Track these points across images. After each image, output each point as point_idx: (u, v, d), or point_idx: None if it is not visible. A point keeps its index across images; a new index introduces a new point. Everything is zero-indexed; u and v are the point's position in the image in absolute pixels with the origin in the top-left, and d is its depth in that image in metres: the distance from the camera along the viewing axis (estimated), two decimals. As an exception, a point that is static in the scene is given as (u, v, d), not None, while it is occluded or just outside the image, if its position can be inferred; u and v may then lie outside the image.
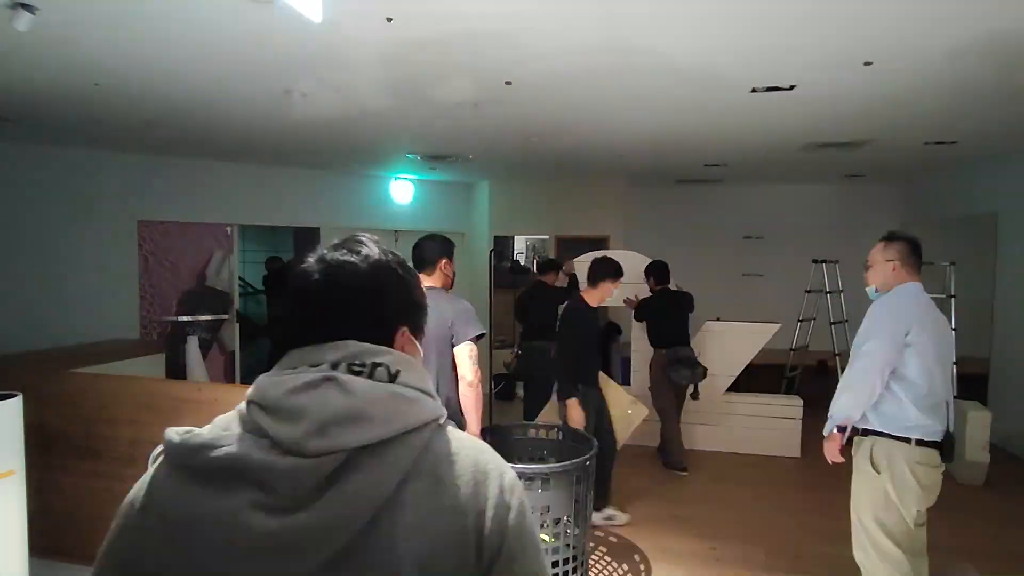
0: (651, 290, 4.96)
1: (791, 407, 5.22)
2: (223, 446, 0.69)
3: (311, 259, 0.81)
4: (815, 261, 6.19)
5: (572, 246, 6.89)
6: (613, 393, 3.94)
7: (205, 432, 0.73)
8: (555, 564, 2.56)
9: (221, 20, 2.51)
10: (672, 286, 4.98)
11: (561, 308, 3.81)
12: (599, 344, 4.15)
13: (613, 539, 3.62)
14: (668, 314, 4.84)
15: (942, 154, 5.41)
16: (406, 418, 0.72)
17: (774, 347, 5.39)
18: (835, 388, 2.45)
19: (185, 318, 6.02)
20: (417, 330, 0.88)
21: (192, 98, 3.69)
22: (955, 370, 5.12)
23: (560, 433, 3.15)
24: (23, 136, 4.78)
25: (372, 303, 0.80)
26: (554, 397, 3.65)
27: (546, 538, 2.58)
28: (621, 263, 5.37)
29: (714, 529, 3.72)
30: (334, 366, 0.74)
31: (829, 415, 2.44)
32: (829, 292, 6.06)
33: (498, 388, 6.34)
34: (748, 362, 5.22)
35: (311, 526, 0.65)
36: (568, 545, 2.61)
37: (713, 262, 7.61)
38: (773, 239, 7.71)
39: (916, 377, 2.30)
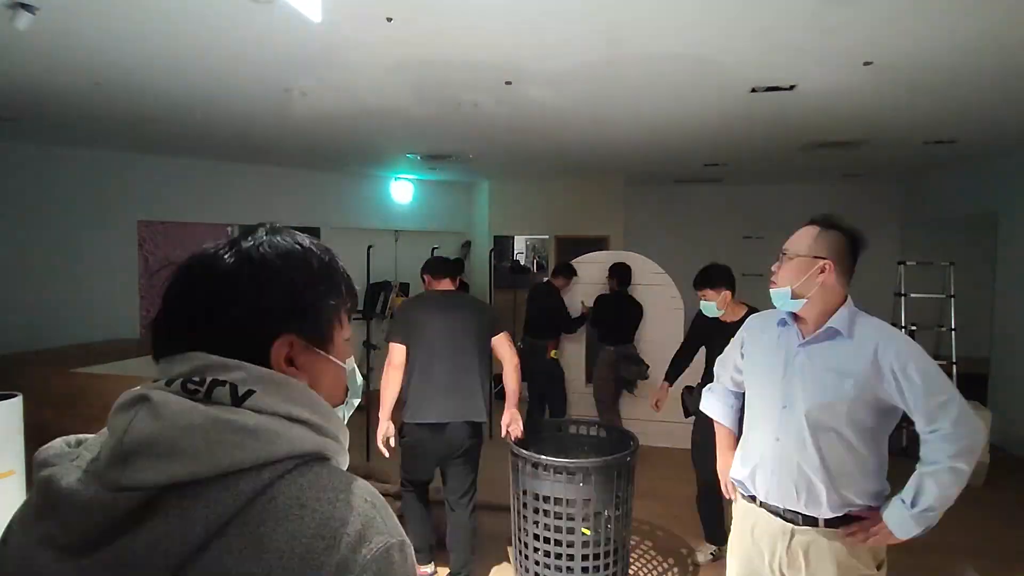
0: (611, 290, 5.06)
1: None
2: (51, 465, 0.59)
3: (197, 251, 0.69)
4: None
5: (572, 246, 6.89)
6: None
7: (57, 445, 0.63)
8: (595, 556, 2.69)
9: (221, 20, 2.51)
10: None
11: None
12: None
13: (660, 533, 3.66)
14: (622, 315, 4.99)
15: (942, 153, 5.41)
16: (234, 454, 0.56)
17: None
18: None
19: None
20: (321, 337, 0.69)
21: (192, 97, 3.69)
22: (955, 370, 5.15)
23: (601, 430, 3.29)
24: (24, 136, 4.78)
25: (229, 305, 0.64)
26: None
27: (585, 531, 2.66)
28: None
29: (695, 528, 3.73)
30: (170, 382, 0.60)
31: (928, 508, 1.50)
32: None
33: (498, 388, 6.33)
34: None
35: (93, 575, 0.54)
36: (609, 539, 2.72)
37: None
38: (773, 239, 7.68)
39: None
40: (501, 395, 6.50)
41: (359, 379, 0.82)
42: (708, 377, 2.35)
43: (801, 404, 1.60)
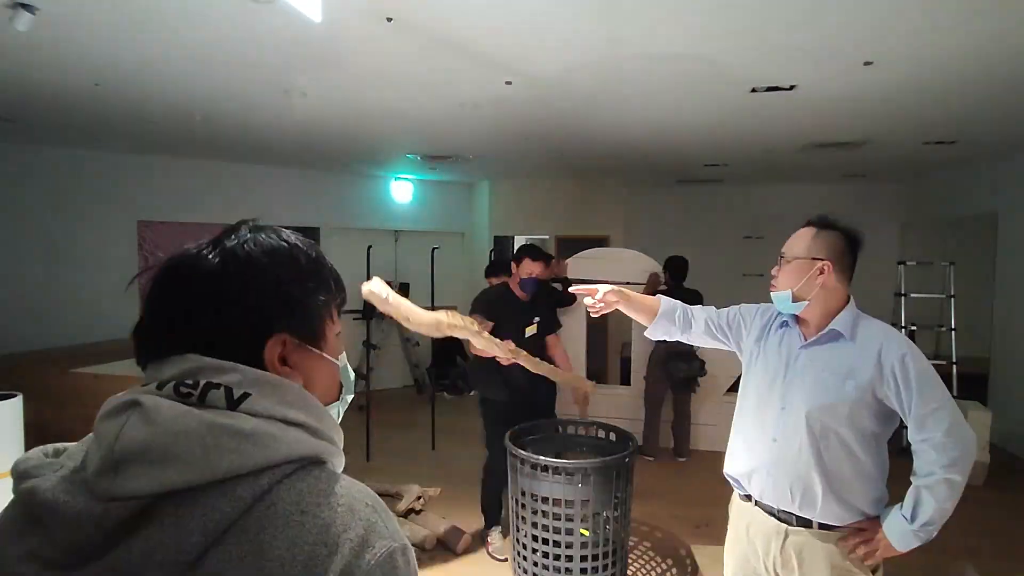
0: (666, 284, 5.01)
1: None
2: (33, 477, 0.57)
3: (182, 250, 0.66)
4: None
5: (572, 246, 6.89)
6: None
7: (36, 456, 0.60)
8: (594, 557, 2.69)
9: (221, 19, 2.51)
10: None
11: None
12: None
13: (659, 534, 3.66)
14: None
15: (942, 154, 5.41)
16: (231, 459, 0.54)
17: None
18: None
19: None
20: (313, 335, 0.68)
21: (192, 98, 3.70)
22: (955, 370, 5.15)
23: (600, 431, 3.26)
24: (24, 136, 4.78)
25: (217, 305, 0.62)
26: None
27: (584, 532, 2.66)
28: (620, 262, 5.41)
29: (690, 527, 3.73)
30: (161, 386, 0.58)
31: (927, 522, 1.49)
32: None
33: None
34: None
35: None
36: (607, 540, 2.72)
37: (713, 262, 7.60)
38: (773, 239, 7.68)
39: None
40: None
41: (351, 374, 0.81)
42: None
43: (801, 406, 1.59)
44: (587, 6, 2.37)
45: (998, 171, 5.52)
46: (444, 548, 3.44)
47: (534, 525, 2.71)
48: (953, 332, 5.32)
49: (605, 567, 2.72)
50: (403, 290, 7.33)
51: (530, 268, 3.34)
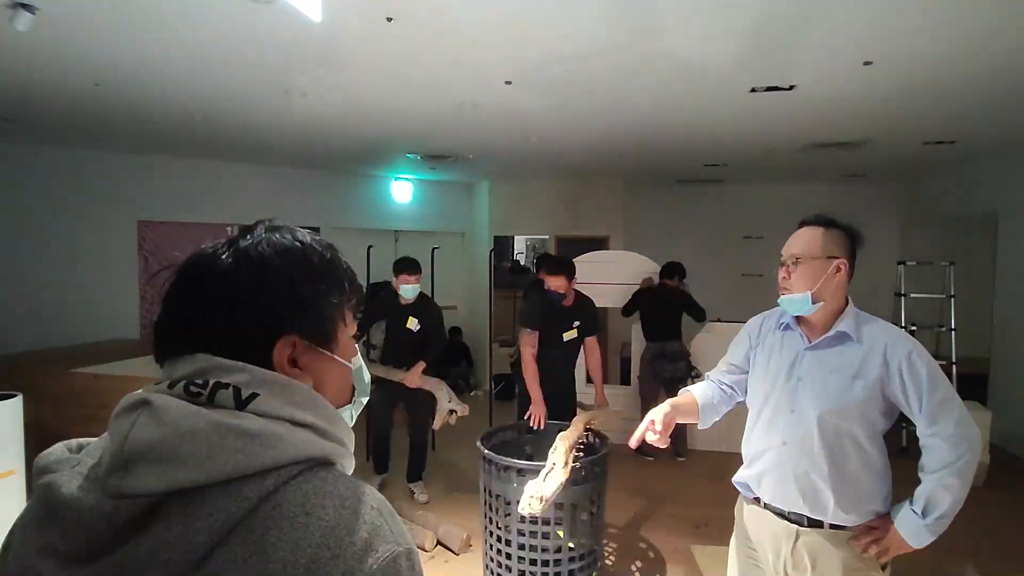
0: (661, 284, 5.04)
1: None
2: (51, 472, 0.58)
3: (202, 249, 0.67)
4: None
5: (572, 246, 6.90)
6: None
7: (58, 451, 0.62)
8: (571, 560, 2.66)
9: (221, 19, 2.51)
10: (678, 284, 5.07)
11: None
12: None
13: (659, 534, 3.66)
14: (657, 309, 4.95)
15: (942, 154, 5.41)
16: (237, 459, 0.54)
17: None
18: None
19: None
20: (324, 336, 0.67)
21: (192, 97, 3.70)
22: (955, 370, 5.15)
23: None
24: (23, 136, 4.78)
25: (229, 305, 0.62)
26: None
27: (561, 533, 2.64)
28: (621, 263, 5.41)
29: (690, 527, 3.73)
30: (172, 385, 0.59)
31: (942, 515, 1.49)
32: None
33: (498, 388, 6.34)
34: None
35: None
36: (582, 542, 2.69)
37: (713, 262, 7.60)
38: (773, 239, 7.67)
39: None
40: (502, 396, 6.54)
41: (367, 376, 0.81)
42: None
43: (812, 409, 1.58)
44: (587, 6, 2.37)
45: (998, 171, 5.52)
46: (444, 548, 3.45)
47: (506, 528, 2.66)
48: (953, 332, 5.32)
49: (581, 569, 2.68)
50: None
51: (552, 284, 3.51)
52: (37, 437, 2.92)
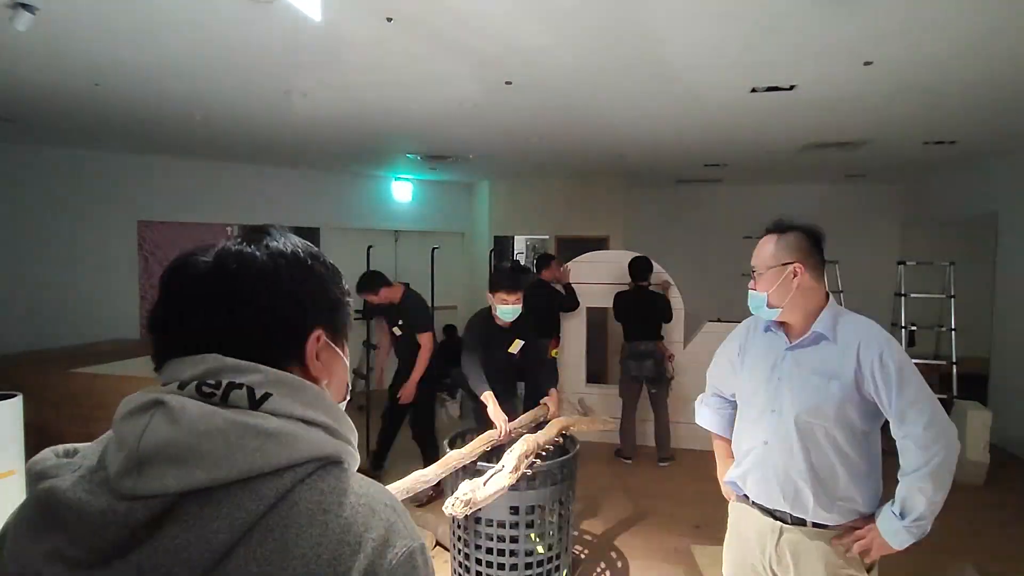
0: (628, 286, 5.04)
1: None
2: (50, 477, 0.57)
3: (201, 249, 0.66)
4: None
5: (572, 246, 6.90)
6: None
7: (50, 457, 0.61)
8: (539, 563, 2.63)
9: (221, 19, 2.51)
10: (652, 286, 5.07)
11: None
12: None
13: (589, 538, 3.64)
14: (636, 310, 4.95)
15: (942, 154, 5.41)
16: (255, 458, 0.55)
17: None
18: None
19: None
20: (337, 333, 0.70)
21: (192, 98, 3.70)
22: (955, 370, 5.15)
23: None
24: (24, 136, 4.78)
25: (273, 299, 0.64)
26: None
27: (532, 535, 2.62)
28: (621, 263, 5.41)
29: (688, 527, 3.73)
30: (183, 385, 0.59)
31: (919, 517, 1.49)
32: (829, 292, 6.05)
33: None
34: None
35: None
36: (550, 545, 2.66)
37: (713, 262, 7.60)
38: (773, 239, 7.68)
39: None
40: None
41: (349, 377, 0.83)
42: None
43: (790, 408, 1.60)
44: (586, 7, 2.37)
45: (998, 171, 5.52)
46: (443, 548, 3.45)
47: (476, 534, 2.60)
48: (953, 332, 5.32)
49: (549, 572, 2.64)
50: (403, 290, 7.32)
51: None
52: (37, 437, 2.93)
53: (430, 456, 4.23)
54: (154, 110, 3.96)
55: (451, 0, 2.33)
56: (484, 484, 2.33)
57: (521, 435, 2.75)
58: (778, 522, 1.65)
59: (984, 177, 5.74)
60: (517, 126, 4.43)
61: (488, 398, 3.08)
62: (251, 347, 0.62)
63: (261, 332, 0.63)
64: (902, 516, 1.49)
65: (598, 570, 3.28)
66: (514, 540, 2.57)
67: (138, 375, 4.22)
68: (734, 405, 1.89)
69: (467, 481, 2.37)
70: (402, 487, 2.35)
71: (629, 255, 5.49)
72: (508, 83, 3.36)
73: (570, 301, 5.26)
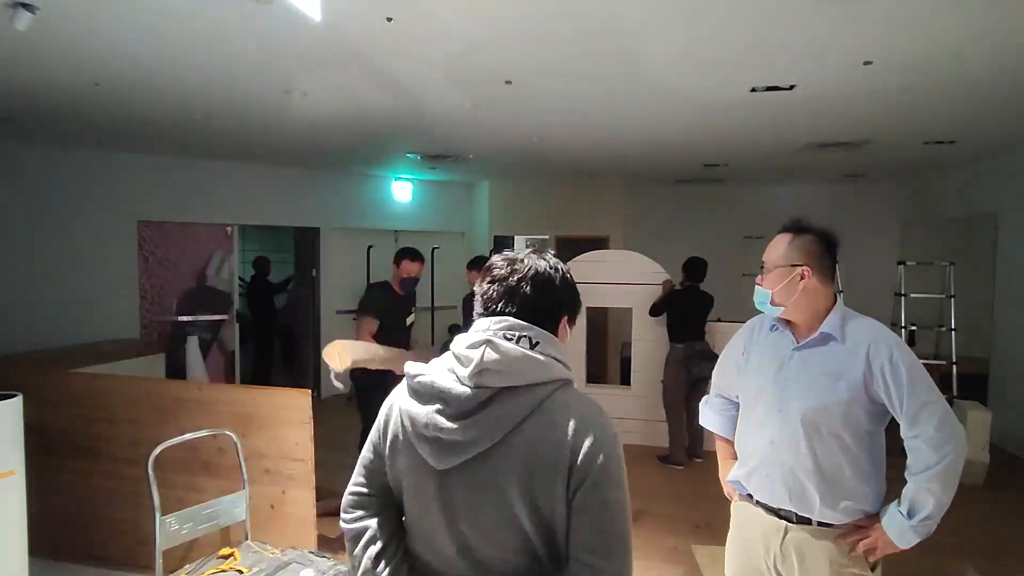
0: (681, 285, 4.99)
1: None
2: (422, 376, 1.08)
3: (504, 258, 1.14)
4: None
5: (572, 246, 6.90)
6: None
7: (419, 367, 1.11)
8: None
9: (221, 19, 2.51)
10: (652, 286, 5.09)
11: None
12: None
13: (658, 534, 3.64)
14: (693, 310, 4.91)
15: (942, 154, 5.41)
16: (536, 374, 1.03)
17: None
18: None
19: (185, 318, 6.02)
20: (572, 321, 1.18)
21: (192, 97, 3.70)
22: (955, 370, 5.15)
23: None
24: (23, 136, 4.78)
25: (549, 296, 1.11)
26: None
27: None
28: (621, 263, 5.41)
29: (689, 527, 3.73)
30: (496, 333, 1.05)
31: (926, 517, 1.50)
32: (837, 294, 6.04)
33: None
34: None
35: (468, 430, 1.00)
36: None
37: (713, 262, 7.55)
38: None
39: None
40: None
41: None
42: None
43: (796, 408, 1.60)
44: (586, 6, 2.37)
45: (998, 171, 5.52)
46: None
47: None
48: (953, 332, 5.32)
49: None
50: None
51: (409, 268, 3.77)
52: (37, 437, 2.92)
53: None
54: (154, 110, 3.96)
55: (451, 0, 2.33)
56: None
57: None
58: (783, 521, 1.65)
59: (984, 177, 5.74)
60: (517, 126, 4.43)
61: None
62: (531, 317, 1.08)
63: (541, 313, 1.10)
64: (910, 515, 1.50)
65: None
66: None
67: (138, 375, 4.22)
68: (737, 407, 1.89)
69: None
70: None
71: (629, 255, 5.50)
72: (508, 83, 3.36)
73: None
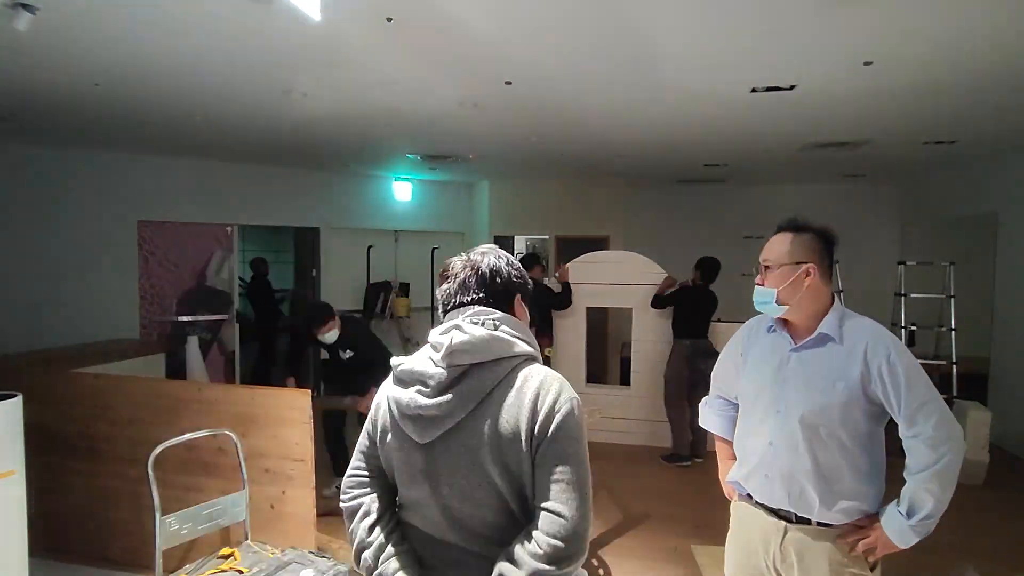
0: (693, 283, 5.00)
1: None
2: (403, 365, 1.23)
3: (460, 257, 1.29)
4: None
5: (572, 246, 6.90)
6: None
7: (402, 359, 1.26)
8: None
9: (221, 19, 2.51)
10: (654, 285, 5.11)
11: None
12: None
13: (625, 538, 3.63)
14: (699, 308, 4.93)
15: (942, 154, 5.41)
16: (500, 351, 1.17)
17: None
18: None
19: (185, 318, 6.02)
20: (525, 299, 1.33)
21: (192, 97, 3.70)
22: (955, 370, 5.15)
23: None
24: (24, 136, 4.78)
25: (500, 283, 1.27)
26: None
27: None
28: (621, 263, 5.41)
29: (688, 527, 3.73)
30: (463, 320, 1.20)
31: (926, 516, 1.50)
32: (834, 294, 6.04)
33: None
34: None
35: (444, 404, 1.14)
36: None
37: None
38: (773, 239, 7.68)
39: None
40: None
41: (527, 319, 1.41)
42: None
43: (795, 409, 1.60)
44: (587, 6, 2.37)
45: (998, 171, 5.52)
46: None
47: None
48: (953, 332, 5.32)
49: None
50: (403, 290, 7.33)
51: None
52: (37, 437, 2.92)
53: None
54: (154, 110, 3.96)
55: (451, 0, 2.33)
56: None
57: None
58: (782, 521, 1.65)
59: (984, 177, 5.74)
60: (517, 126, 4.43)
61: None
62: (490, 302, 1.24)
63: (497, 297, 1.25)
64: (909, 515, 1.50)
65: (599, 572, 3.28)
66: None
67: (138, 375, 4.22)
68: (737, 408, 1.88)
69: None
70: None
71: (629, 255, 5.50)
72: (508, 83, 3.36)
73: (563, 299, 5.27)
